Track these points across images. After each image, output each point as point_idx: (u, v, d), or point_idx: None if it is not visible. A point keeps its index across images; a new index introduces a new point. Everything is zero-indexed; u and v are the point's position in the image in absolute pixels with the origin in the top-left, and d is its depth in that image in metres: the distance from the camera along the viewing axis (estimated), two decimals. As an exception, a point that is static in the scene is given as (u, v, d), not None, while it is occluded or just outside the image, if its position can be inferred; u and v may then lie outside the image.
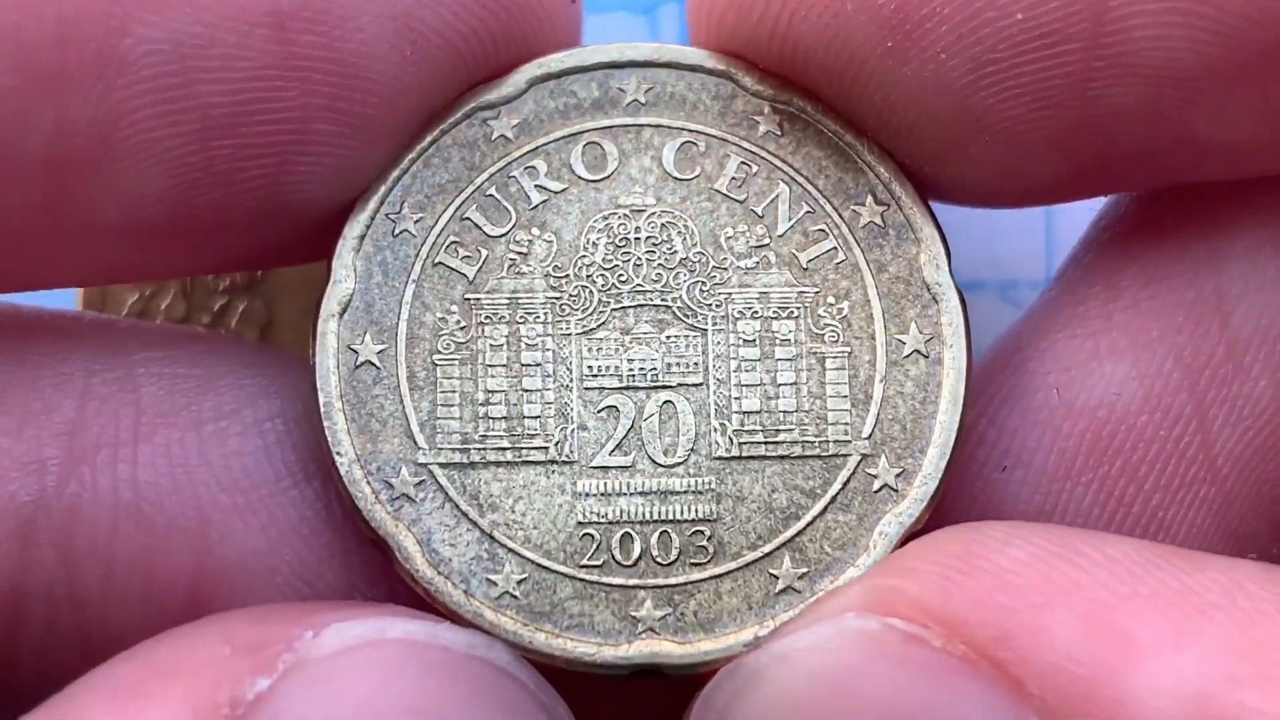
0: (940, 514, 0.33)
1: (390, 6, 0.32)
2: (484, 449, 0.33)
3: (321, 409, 0.33)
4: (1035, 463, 0.34)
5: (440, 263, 0.34)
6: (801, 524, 0.33)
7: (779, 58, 0.33)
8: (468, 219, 0.34)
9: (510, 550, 0.33)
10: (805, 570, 0.33)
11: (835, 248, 0.34)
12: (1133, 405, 0.34)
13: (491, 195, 0.34)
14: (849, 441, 0.33)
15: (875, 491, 0.33)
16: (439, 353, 0.33)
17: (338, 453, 0.33)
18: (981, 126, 0.32)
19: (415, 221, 0.34)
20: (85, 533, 0.32)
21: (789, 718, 0.29)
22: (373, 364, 0.33)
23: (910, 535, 0.32)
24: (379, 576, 0.34)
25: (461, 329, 0.34)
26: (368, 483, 0.33)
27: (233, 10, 0.31)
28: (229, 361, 0.34)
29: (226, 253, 0.34)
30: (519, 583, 0.33)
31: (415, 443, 0.33)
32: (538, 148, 0.34)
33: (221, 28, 0.31)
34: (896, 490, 0.33)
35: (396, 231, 0.34)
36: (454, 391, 0.33)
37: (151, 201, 0.32)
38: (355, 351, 0.33)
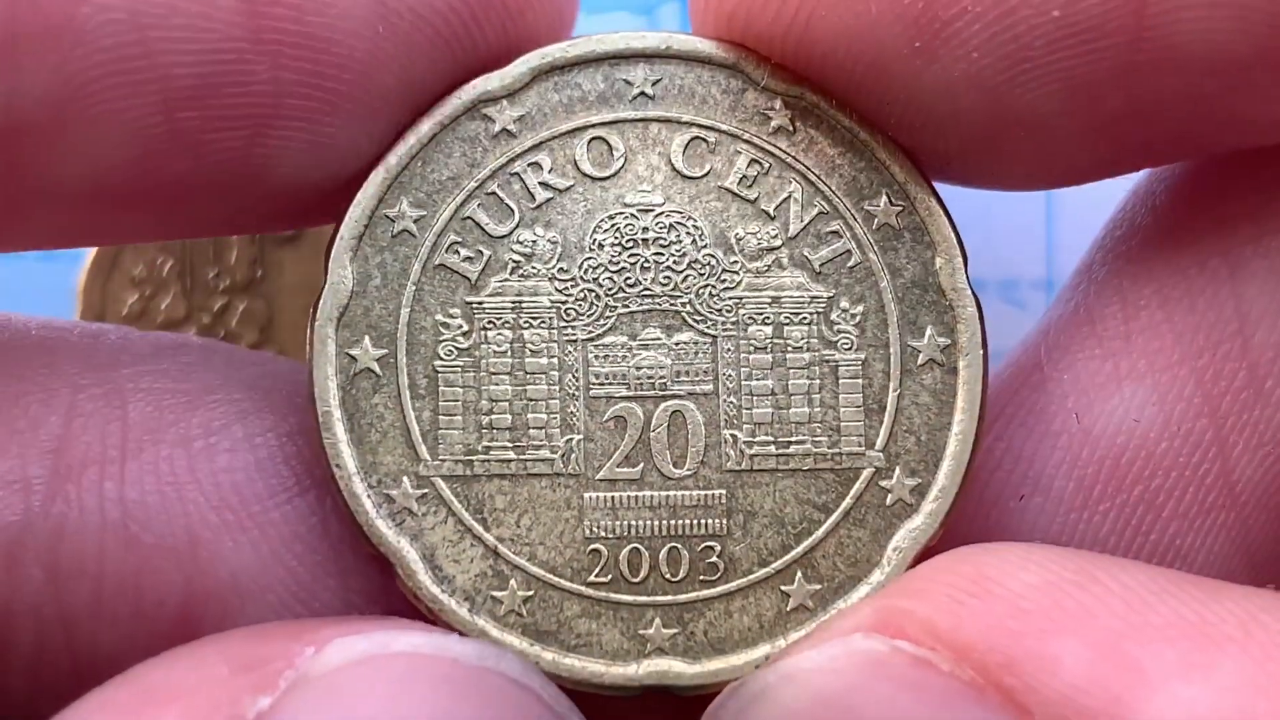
0: (956, 537, 0.32)
1: None
2: (488, 460, 0.32)
3: (320, 420, 0.32)
4: (1053, 491, 0.33)
5: (441, 264, 0.32)
6: (814, 540, 0.32)
7: (794, 56, 0.32)
8: (469, 218, 0.33)
9: (516, 567, 0.32)
10: (818, 587, 0.32)
11: (849, 250, 0.33)
12: (1152, 431, 0.33)
13: (494, 193, 0.33)
14: (862, 454, 0.32)
15: (889, 506, 0.32)
16: (441, 359, 0.32)
17: (337, 465, 0.32)
18: (1014, 122, 0.31)
19: (415, 221, 0.32)
20: (72, 552, 0.32)
21: None
22: (372, 371, 0.32)
23: (925, 551, 0.32)
24: (378, 593, 0.33)
25: (464, 334, 0.32)
26: (368, 496, 0.32)
27: None
28: (220, 375, 0.34)
29: (200, 221, 0.34)
30: (524, 600, 0.32)
31: (417, 454, 0.32)
32: (542, 142, 0.33)
33: None
34: (911, 505, 0.32)
35: (395, 232, 0.32)
36: (456, 400, 0.32)
37: (115, 170, 0.31)
38: (354, 358, 0.32)
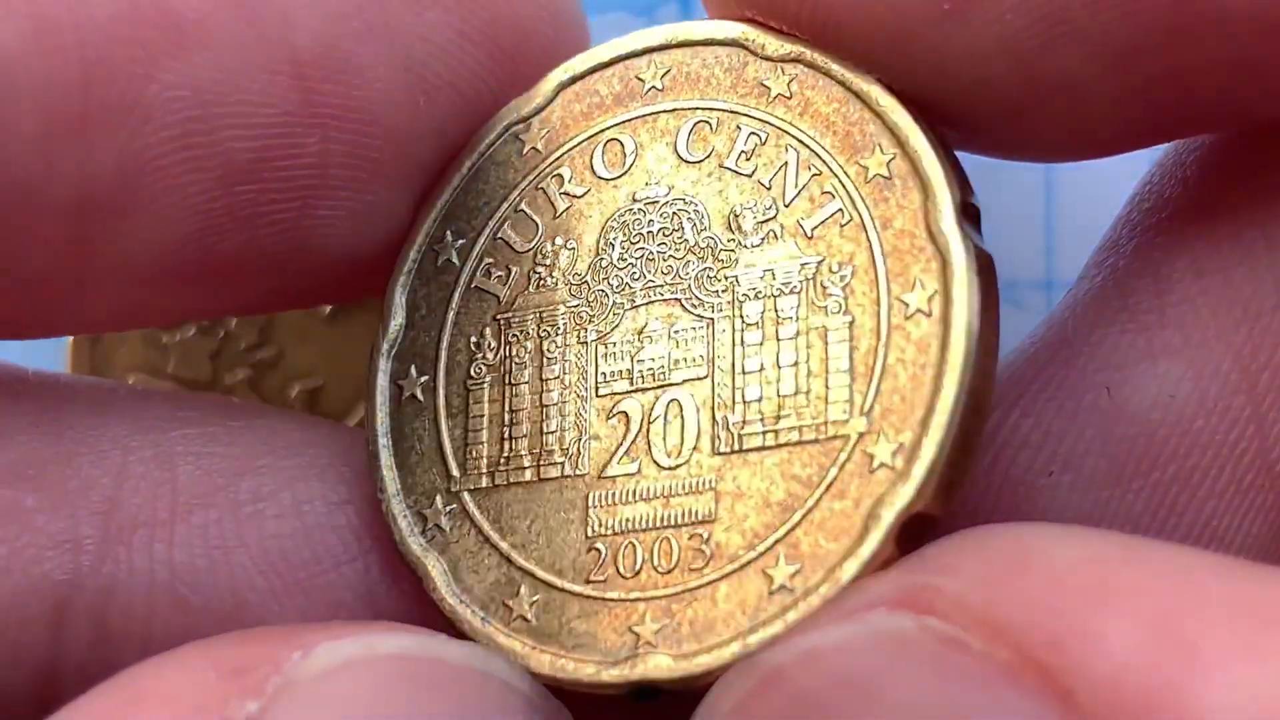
0: (980, 515, 0.30)
1: (405, 57, 0.32)
2: (508, 470, 0.32)
3: (369, 448, 0.33)
4: (1084, 468, 0.32)
5: (477, 287, 0.33)
6: (797, 517, 0.29)
7: (810, 23, 0.31)
8: (500, 238, 0.33)
9: (525, 572, 0.31)
10: (798, 567, 0.29)
11: (841, 209, 0.31)
12: (1188, 408, 0.31)
13: (522, 210, 0.33)
14: (846, 420, 0.29)
15: (872, 472, 0.29)
16: (472, 378, 0.33)
17: (380, 489, 0.32)
18: (1047, 89, 0.30)
19: (456, 249, 0.33)
20: (120, 613, 0.32)
21: None
22: (416, 398, 0.33)
23: (911, 517, 0.29)
24: None
25: (493, 351, 0.32)
26: (405, 516, 0.32)
27: (254, 58, 0.31)
28: (268, 441, 0.34)
29: (249, 296, 0.34)
30: (531, 605, 0.31)
31: (449, 471, 0.32)
32: (564, 154, 0.33)
33: (243, 74, 0.31)
34: (894, 468, 0.29)
35: (439, 262, 0.33)
36: (483, 415, 0.32)
37: (175, 247, 0.31)
38: (401, 387, 0.33)
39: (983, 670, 0.25)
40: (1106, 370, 0.32)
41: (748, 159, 0.32)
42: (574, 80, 0.33)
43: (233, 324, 0.45)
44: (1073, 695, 0.24)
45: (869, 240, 0.30)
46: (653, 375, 0.31)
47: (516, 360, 0.32)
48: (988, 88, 0.30)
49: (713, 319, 0.31)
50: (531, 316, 0.32)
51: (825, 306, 0.30)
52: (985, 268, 0.29)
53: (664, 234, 0.32)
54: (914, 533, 0.29)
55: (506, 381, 0.32)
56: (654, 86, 0.33)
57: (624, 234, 0.32)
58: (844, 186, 0.31)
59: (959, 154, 0.31)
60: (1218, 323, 0.31)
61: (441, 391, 0.33)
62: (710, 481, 0.30)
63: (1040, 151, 0.32)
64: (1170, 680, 0.24)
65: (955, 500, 0.29)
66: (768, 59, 0.32)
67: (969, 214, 0.30)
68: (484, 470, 0.32)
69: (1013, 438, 0.32)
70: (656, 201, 0.32)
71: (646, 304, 0.32)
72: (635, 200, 0.32)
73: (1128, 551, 0.26)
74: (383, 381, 0.33)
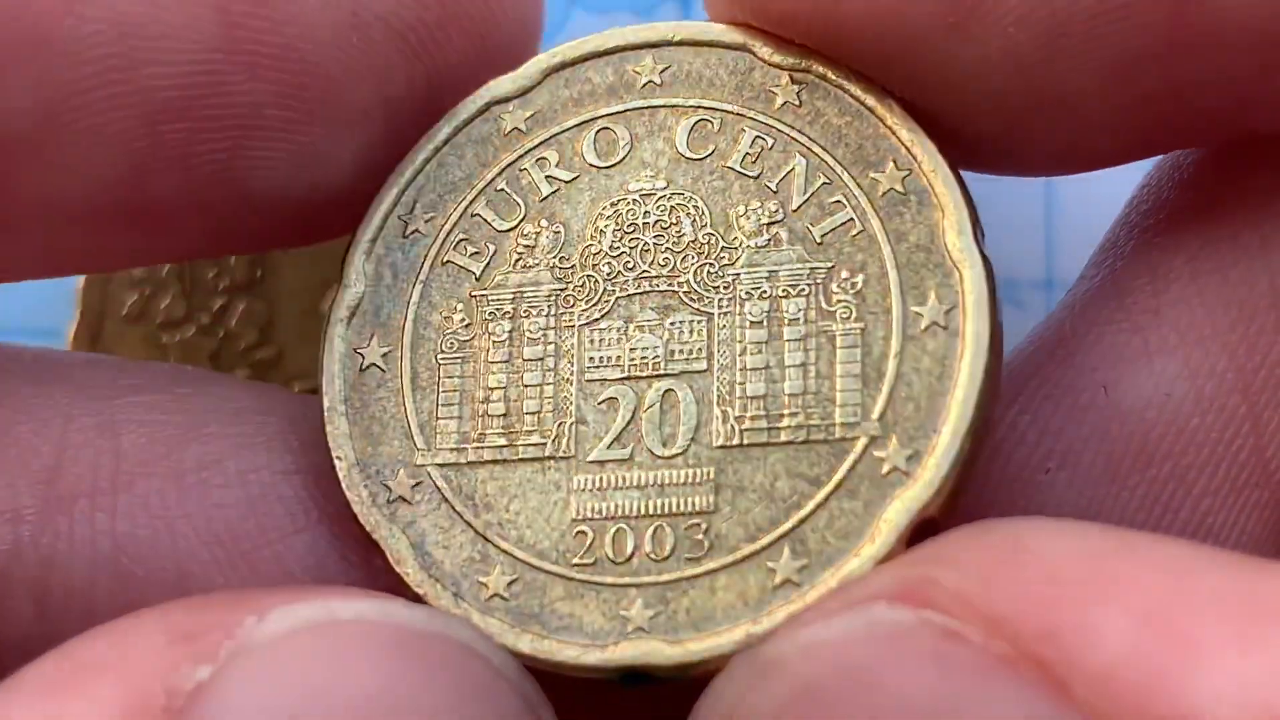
0: (977, 512, 0.30)
1: None
2: (481, 447, 0.31)
3: (325, 414, 0.32)
4: (1081, 465, 0.31)
5: (449, 261, 0.32)
6: (804, 513, 0.29)
7: (819, 37, 0.31)
8: (477, 215, 0.32)
9: (502, 550, 0.31)
10: (805, 563, 0.29)
11: (852, 219, 0.31)
12: (1184, 406, 0.31)
13: (502, 189, 0.32)
14: (857, 423, 0.30)
15: (884, 475, 0.29)
16: (443, 352, 0.32)
17: (337, 457, 0.31)
18: (1049, 101, 0.30)
19: (426, 221, 0.32)
20: (62, 584, 0.31)
21: (811, 714, 0.26)
22: (378, 366, 0.32)
23: (921, 522, 0.29)
24: None
25: (465, 327, 0.32)
26: (365, 486, 0.31)
27: None
28: (215, 408, 0.33)
29: (189, 240, 0.33)
30: (509, 584, 0.30)
31: (415, 444, 0.31)
32: (550, 138, 0.32)
33: (166, 8, 0.29)
34: (907, 474, 0.29)
35: (407, 232, 0.32)
36: (455, 390, 0.32)
37: (103, 187, 0.30)
38: (361, 355, 0.32)
39: (980, 662, 0.25)
40: (1103, 369, 0.32)
41: (753, 161, 0.31)
42: (564, 66, 0.33)
43: (233, 324, 0.45)
44: (1068, 686, 0.24)
45: (881, 252, 0.30)
46: (646, 365, 0.31)
47: (494, 338, 0.32)
48: (991, 101, 0.30)
49: (712, 314, 0.31)
50: (510, 296, 0.32)
51: (834, 312, 0.30)
52: (993, 282, 0.30)
53: (660, 227, 0.32)
54: (922, 537, 0.29)
55: (482, 359, 0.32)
56: (652, 81, 0.32)
57: (616, 223, 0.32)
58: (855, 198, 0.31)
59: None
60: (1214, 322, 0.31)
61: (407, 363, 0.32)
62: (709, 474, 0.30)
63: (1041, 164, 0.32)
64: (1164, 672, 0.24)
65: (961, 504, 0.30)
66: (776, 66, 0.32)
67: (978, 229, 0.31)
68: (453, 446, 0.31)
69: (1011, 435, 0.32)
70: (653, 194, 0.32)
71: (640, 294, 0.31)
72: (629, 191, 0.32)
73: (1123, 545, 0.26)
74: (340, 348, 0.32)
